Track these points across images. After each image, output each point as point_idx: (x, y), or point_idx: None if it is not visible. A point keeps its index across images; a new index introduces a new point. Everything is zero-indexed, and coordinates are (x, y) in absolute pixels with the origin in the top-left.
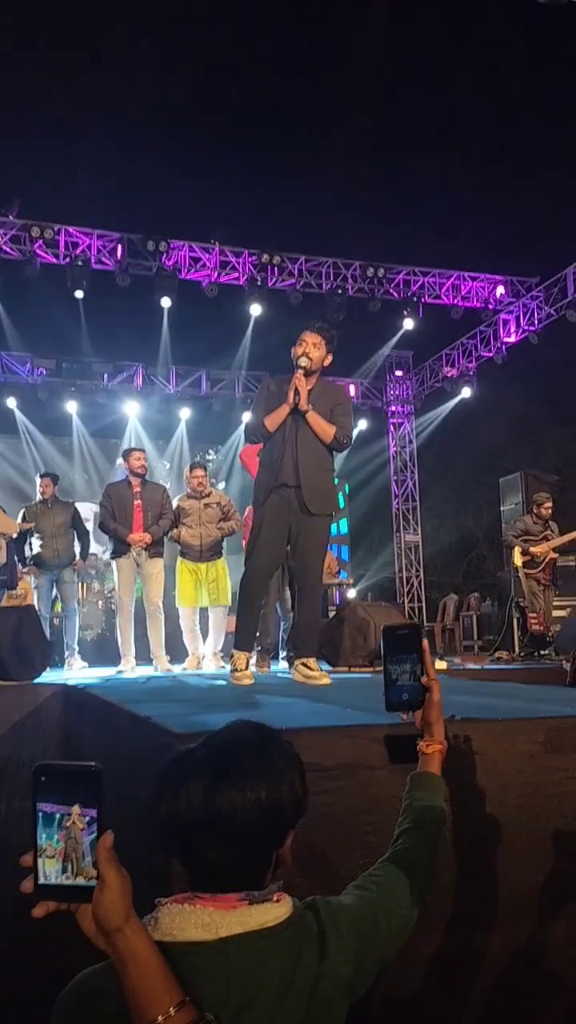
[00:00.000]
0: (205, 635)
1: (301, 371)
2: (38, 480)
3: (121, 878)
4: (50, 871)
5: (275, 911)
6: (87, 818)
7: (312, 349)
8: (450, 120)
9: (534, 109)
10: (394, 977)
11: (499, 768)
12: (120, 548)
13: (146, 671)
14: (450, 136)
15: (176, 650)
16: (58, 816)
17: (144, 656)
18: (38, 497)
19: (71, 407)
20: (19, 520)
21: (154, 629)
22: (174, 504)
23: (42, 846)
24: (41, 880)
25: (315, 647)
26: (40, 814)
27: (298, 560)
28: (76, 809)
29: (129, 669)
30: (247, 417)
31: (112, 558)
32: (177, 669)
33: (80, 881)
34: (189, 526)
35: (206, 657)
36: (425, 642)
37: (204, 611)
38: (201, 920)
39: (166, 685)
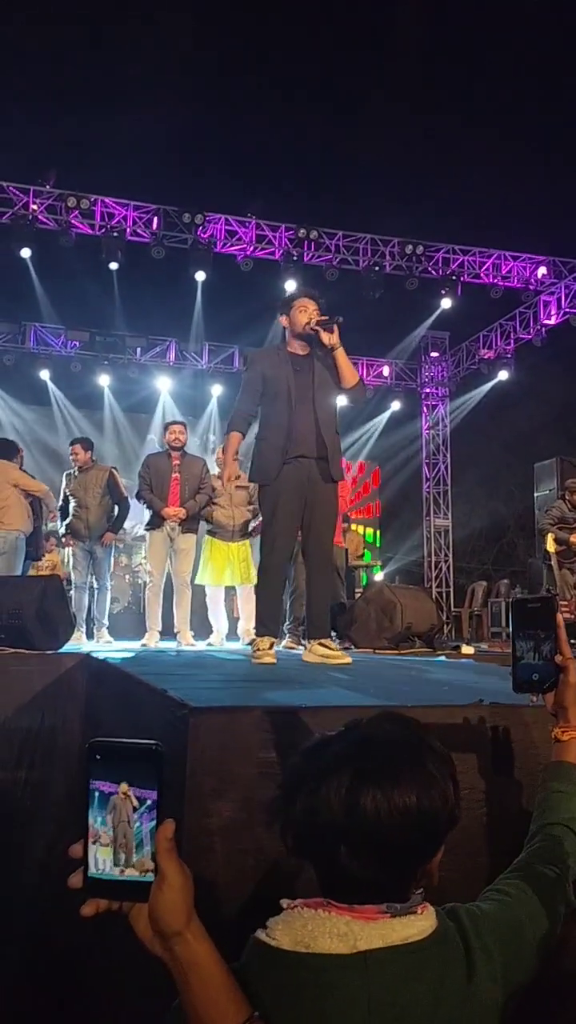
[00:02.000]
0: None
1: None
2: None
3: (183, 874)
4: (103, 860)
5: (419, 924)
6: (147, 801)
7: (316, 315)
8: (495, 97)
9: None
10: None
11: (529, 756)
12: (155, 520)
13: (170, 646)
14: (494, 113)
15: (199, 626)
16: (110, 796)
17: (169, 631)
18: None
19: (103, 380)
20: (62, 487)
21: (181, 604)
22: None
23: (97, 831)
24: (92, 870)
25: (329, 626)
26: (96, 793)
27: (313, 534)
28: (124, 787)
29: (153, 643)
30: None
31: (146, 530)
32: (201, 645)
33: (134, 875)
34: (222, 506)
35: (241, 633)
36: (560, 617)
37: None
38: (337, 929)
39: (189, 659)
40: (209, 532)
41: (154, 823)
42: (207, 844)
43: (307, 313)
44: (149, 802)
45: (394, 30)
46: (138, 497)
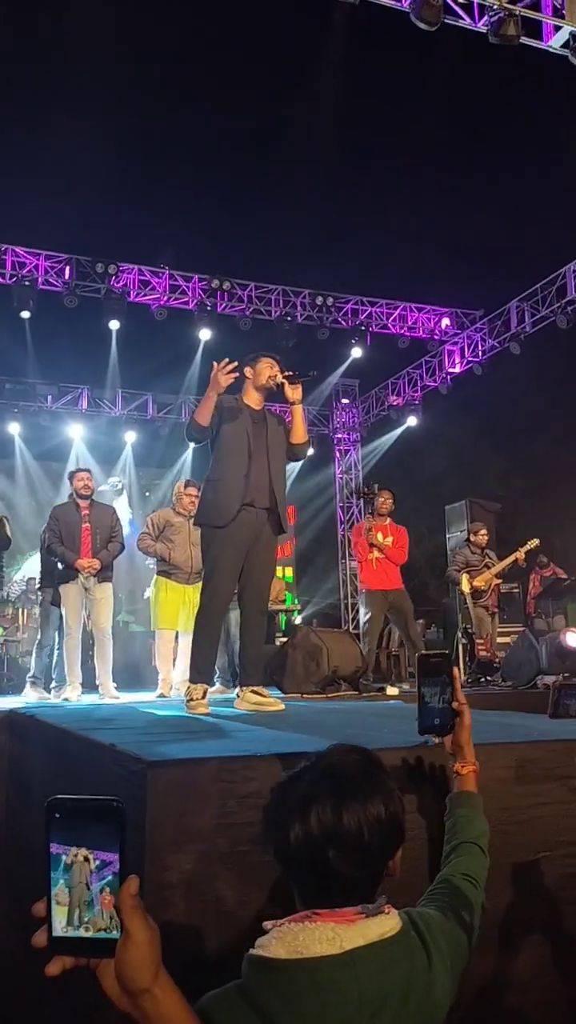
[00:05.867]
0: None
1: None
2: None
3: (149, 930)
4: (59, 921)
5: (389, 922)
6: (98, 861)
7: (279, 374)
8: (401, 154)
9: (483, 147)
10: None
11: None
12: (68, 573)
13: (92, 699)
14: (400, 170)
15: (131, 676)
16: (64, 858)
17: (89, 683)
18: None
19: (14, 429)
20: None
21: (102, 656)
22: (157, 517)
23: (54, 892)
24: (56, 932)
25: (262, 674)
26: (51, 856)
27: (252, 584)
28: (82, 851)
29: (75, 696)
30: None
31: (58, 583)
32: (139, 696)
33: (90, 933)
34: (179, 545)
35: (177, 684)
36: (455, 669)
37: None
38: (325, 935)
39: (118, 713)
40: (162, 573)
41: (107, 880)
42: (167, 898)
43: (273, 368)
44: (100, 862)
45: (307, 88)
46: (49, 551)
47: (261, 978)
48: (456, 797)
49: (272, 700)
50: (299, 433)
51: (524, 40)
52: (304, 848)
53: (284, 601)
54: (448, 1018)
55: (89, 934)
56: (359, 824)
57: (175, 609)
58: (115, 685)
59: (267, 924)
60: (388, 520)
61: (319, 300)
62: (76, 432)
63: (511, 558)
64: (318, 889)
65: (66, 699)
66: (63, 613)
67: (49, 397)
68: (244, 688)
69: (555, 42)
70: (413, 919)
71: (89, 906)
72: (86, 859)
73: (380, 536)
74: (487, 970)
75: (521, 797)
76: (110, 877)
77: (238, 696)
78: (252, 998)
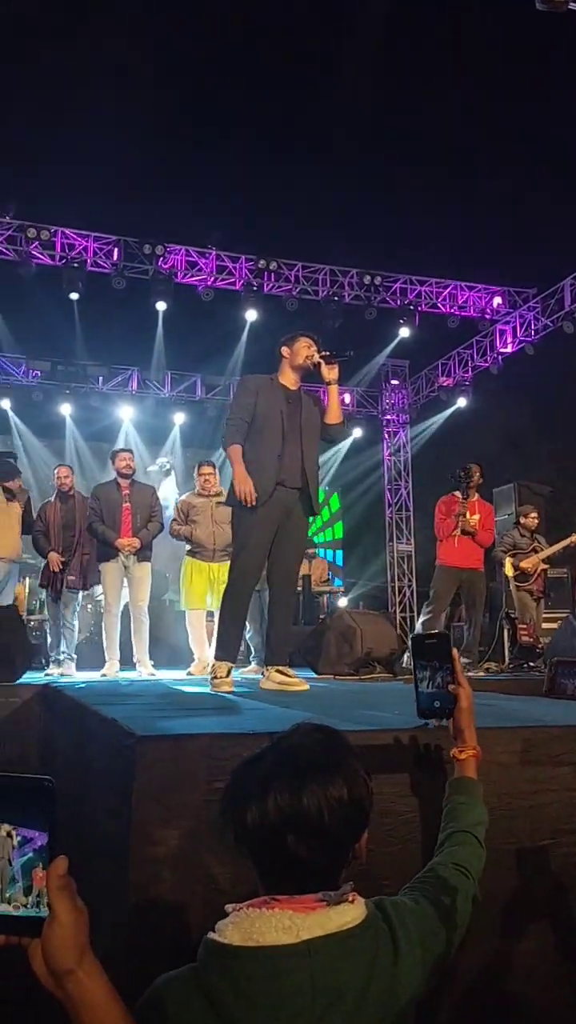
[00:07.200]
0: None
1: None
2: None
3: (75, 912)
4: None
5: (352, 912)
6: (19, 837)
7: (316, 354)
8: (449, 130)
9: (534, 120)
10: None
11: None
12: (108, 551)
13: (131, 675)
14: (449, 146)
15: (168, 654)
16: None
17: (129, 660)
18: None
19: (65, 410)
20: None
21: (139, 633)
22: (182, 503)
23: None
24: None
25: (288, 653)
26: None
27: (281, 564)
28: (5, 827)
29: (113, 673)
30: None
31: (99, 561)
32: (178, 674)
33: (19, 911)
34: (201, 524)
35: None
36: (455, 651)
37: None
38: (282, 923)
39: (144, 688)
40: (189, 553)
41: (28, 857)
42: (155, 873)
43: (311, 348)
44: (21, 838)
45: (349, 65)
46: (90, 530)
47: (214, 963)
48: (455, 783)
49: (297, 680)
50: (334, 413)
51: (573, 6)
52: (262, 831)
53: (329, 582)
54: (449, 1001)
55: (18, 912)
56: (319, 807)
57: (203, 589)
58: (152, 662)
59: (228, 907)
60: (476, 496)
61: (367, 279)
62: (126, 413)
63: (563, 543)
64: (278, 874)
65: (104, 675)
66: (103, 593)
67: (100, 378)
68: (269, 667)
69: None
70: (383, 908)
71: (11, 883)
72: (8, 835)
73: (469, 516)
74: (490, 954)
75: (526, 783)
76: (31, 854)
77: (263, 675)
78: (203, 983)
